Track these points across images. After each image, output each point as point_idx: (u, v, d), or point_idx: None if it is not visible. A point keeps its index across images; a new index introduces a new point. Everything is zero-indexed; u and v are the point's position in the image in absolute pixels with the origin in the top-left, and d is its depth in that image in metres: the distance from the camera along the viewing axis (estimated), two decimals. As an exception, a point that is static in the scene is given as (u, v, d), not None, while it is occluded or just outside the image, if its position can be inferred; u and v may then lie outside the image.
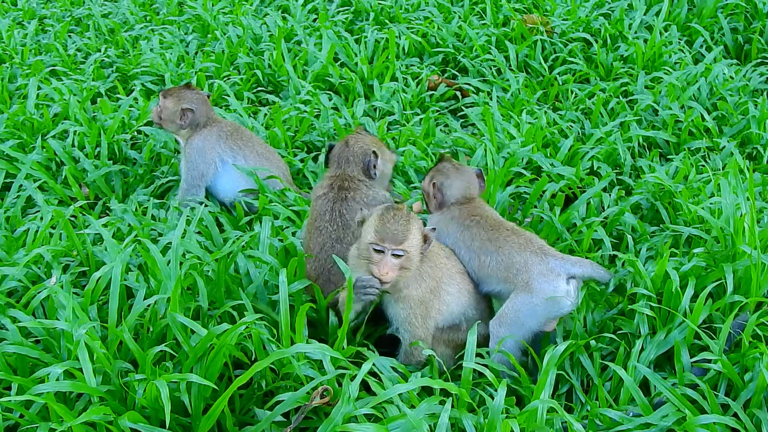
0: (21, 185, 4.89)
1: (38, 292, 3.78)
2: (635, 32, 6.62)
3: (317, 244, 3.85)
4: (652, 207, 4.55)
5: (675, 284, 3.50)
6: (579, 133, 5.43)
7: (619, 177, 4.94)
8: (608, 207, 4.49)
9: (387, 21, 7.11)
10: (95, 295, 3.73)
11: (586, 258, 3.80)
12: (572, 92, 5.93)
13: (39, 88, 5.96)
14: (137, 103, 5.81)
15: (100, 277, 3.70)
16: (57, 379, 3.08)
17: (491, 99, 5.80)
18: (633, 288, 3.67)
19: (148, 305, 3.56)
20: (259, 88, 6.22)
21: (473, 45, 6.47)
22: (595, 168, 4.97)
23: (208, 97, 5.00)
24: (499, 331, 3.50)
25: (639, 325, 3.52)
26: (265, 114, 5.74)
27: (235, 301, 3.65)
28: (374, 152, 4.04)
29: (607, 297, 3.82)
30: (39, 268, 4.07)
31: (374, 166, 4.02)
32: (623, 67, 6.18)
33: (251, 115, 5.75)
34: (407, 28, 6.91)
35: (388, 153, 4.23)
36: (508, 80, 6.09)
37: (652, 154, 5.12)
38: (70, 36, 7.19)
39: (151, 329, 3.58)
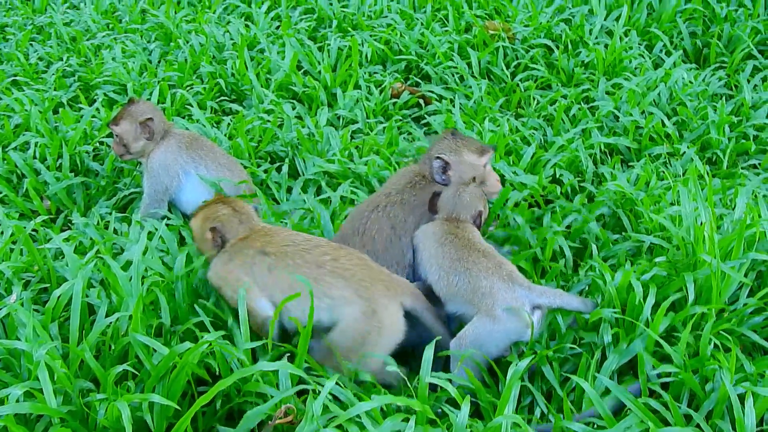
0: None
1: (-1, 312, 3.76)
2: (596, 38, 6.66)
3: None
4: (614, 215, 4.58)
5: (638, 295, 3.53)
6: (541, 141, 5.45)
7: (582, 184, 4.98)
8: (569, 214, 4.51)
9: (350, 28, 7.11)
10: (56, 312, 3.70)
11: (557, 288, 3.80)
12: (534, 99, 5.96)
13: (0, 98, 5.91)
14: (99, 113, 5.77)
15: (60, 295, 3.69)
16: (17, 401, 3.06)
17: (454, 106, 5.82)
18: (596, 297, 3.71)
19: (110, 323, 3.54)
20: (222, 98, 6.20)
21: (436, 52, 6.48)
22: (557, 176, 4.99)
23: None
24: (458, 353, 3.51)
25: (602, 334, 3.55)
26: (228, 124, 5.72)
27: (198, 317, 3.64)
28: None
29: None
30: (-1, 285, 4.06)
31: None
32: (584, 73, 6.22)
33: (214, 125, 5.73)
34: (370, 35, 6.91)
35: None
36: (470, 87, 6.11)
37: (613, 161, 5.16)
38: (31, 44, 7.13)
39: (112, 347, 3.56)
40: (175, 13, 7.46)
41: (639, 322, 3.48)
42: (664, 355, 3.44)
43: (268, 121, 5.66)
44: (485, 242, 3.83)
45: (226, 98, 6.21)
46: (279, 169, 5.21)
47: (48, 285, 4.06)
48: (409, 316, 3.57)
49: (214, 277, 3.73)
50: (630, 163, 5.24)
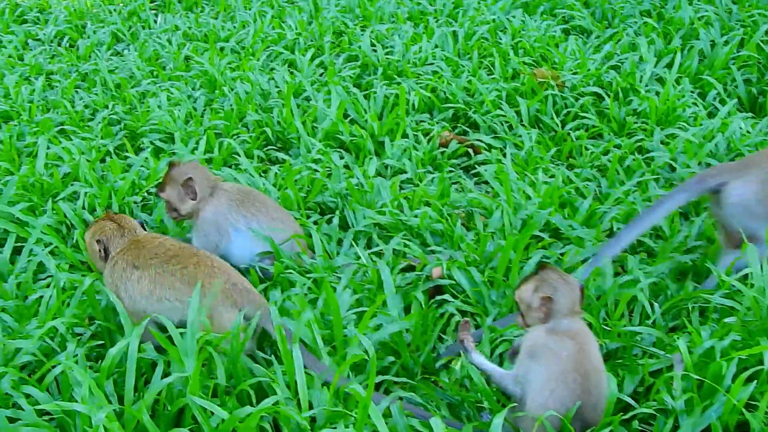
0: (32, 250, 4.80)
1: (53, 367, 3.70)
2: (646, 85, 6.57)
3: None
4: (673, 271, 4.48)
5: (722, 364, 3.41)
6: (596, 192, 5.35)
7: (640, 238, 4.86)
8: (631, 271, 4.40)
9: (395, 75, 7.06)
10: (110, 368, 3.65)
11: None
12: (586, 149, 5.86)
13: (48, 147, 5.90)
14: (147, 162, 5.73)
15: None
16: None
17: (504, 156, 5.75)
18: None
19: (166, 383, 3.48)
20: (269, 147, 6.16)
21: (484, 100, 6.42)
22: (614, 229, 4.89)
23: (198, 162, 4.94)
24: None
25: (672, 398, 3.43)
26: (276, 173, 5.66)
27: (254, 377, 3.57)
28: None
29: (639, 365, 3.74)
30: (53, 340, 3.99)
31: None
32: (636, 122, 6.13)
33: (262, 174, 5.68)
34: (416, 83, 6.86)
35: None
36: (520, 136, 6.03)
37: (672, 214, 5.04)
38: (77, 92, 7.13)
39: (168, 408, 3.50)
40: (219, 59, 7.44)
41: (721, 388, 3.35)
42: (740, 422, 3.32)
43: (316, 170, 5.61)
44: None
45: (272, 147, 6.16)
46: (329, 221, 5.13)
47: (102, 342, 4.00)
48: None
49: (106, 284, 4.15)
50: (690, 217, 5.11)
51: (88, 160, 5.67)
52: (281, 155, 5.99)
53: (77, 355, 3.81)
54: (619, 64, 7.00)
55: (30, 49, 8.34)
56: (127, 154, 6.03)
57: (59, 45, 8.50)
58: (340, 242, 4.99)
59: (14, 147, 6.02)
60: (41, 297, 4.35)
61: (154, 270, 4.01)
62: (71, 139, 6.14)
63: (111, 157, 5.91)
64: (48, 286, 4.49)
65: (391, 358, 3.97)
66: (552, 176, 5.45)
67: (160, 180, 4.88)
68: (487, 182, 5.63)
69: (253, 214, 4.70)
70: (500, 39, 7.63)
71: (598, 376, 3.34)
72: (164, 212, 4.87)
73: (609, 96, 6.43)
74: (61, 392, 3.67)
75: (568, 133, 6.11)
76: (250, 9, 9.04)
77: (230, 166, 5.79)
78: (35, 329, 4.01)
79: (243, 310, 3.88)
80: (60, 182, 5.46)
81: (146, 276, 4.01)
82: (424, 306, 4.24)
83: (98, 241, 4.22)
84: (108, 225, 4.27)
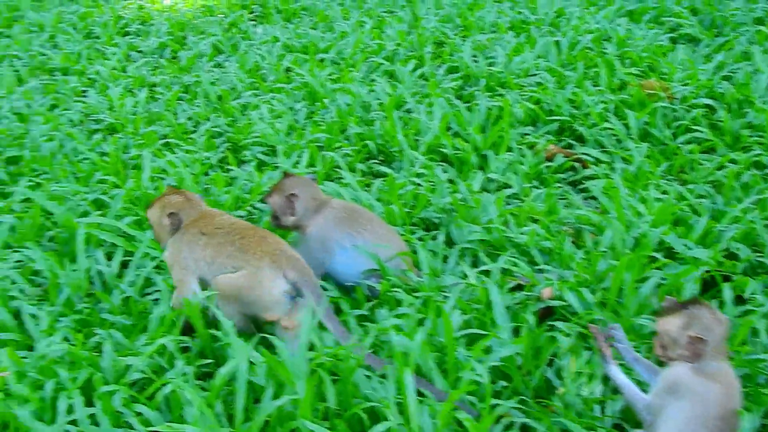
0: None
1: (163, 386, 3.69)
2: (761, 96, 6.34)
3: None
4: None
5: None
6: (711, 210, 5.16)
7: (759, 258, 4.66)
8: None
9: (498, 87, 6.95)
10: (220, 387, 3.62)
11: None
12: (699, 163, 5.67)
13: (153, 160, 5.94)
14: (251, 176, 5.72)
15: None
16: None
17: (613, 171, 5.59)
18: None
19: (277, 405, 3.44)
20: (372, 160, 6.10)
21: (590, 112, 6.27)
22: (732, 249, 4.70)
23: (314, 179, 4.90)
24: None
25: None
26: (379, 188, 5.59)
27: (367, 402, 3.50)
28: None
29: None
30: (161, 357, 3.98)
31: None
32: (752, 136, 5.91)
33: (365, 188, 5.62)
34: (519, 94, 6.74)
35: None
36: (629, 150, 5.87)
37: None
38: (179, 104, 7.18)
39: (278, 430, 3.46)
40: (320, 71, 7.42)
41: None
42: None
43: (420, 185, 5.53)
44: None
45: (375, 160, 6.10)
46: (434, 237, 5.04)
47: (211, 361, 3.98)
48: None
49: (168, 257, 4.33)
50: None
51: (192, 174, 5.70)
52: (384, 169, 5.92)
53: (187, 373, 3.79)
54: (732, 74, 6.77)
55: (133, 61, 8.44)
56: (229, 167, 6.03)
57: (161, 57, 8.59)
58: (445, 259, 4.90)
59: (120, 160, 6.08)
60: (147, 310, 4.40)
61: (217, 239, 4.19)
62: (175, 152, 6.17)
63: (214, 170, 5.92)
64: (155, 300, 4.51)
65: (503, 382, 3.87)
66: (664, 192, 5.28)
67: (271, 187, 4.91)
68: (595, 198, 5.48)
69: (359, 232, 4.64)
70: (605, 48, 7.48)
71: (736, 420, 3.20)
72: (269, 218, 4.85)
73: (722, 108, 6.21)
74: (171, 411, 3.66)
75: (679, 147, 5.91)
76: (348, 19, 9.04)
77: (333, 180, 5.74)
78: (144, 346, 4.02)
79: (288, 277, 4.06)
80: (165, 196, 5.47)
81: (211, 244, 4.20)
82: (534, 328, 4.12)
83: (171, 214, 4.36)
84: (176, 198, 4.45)
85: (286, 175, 4.83)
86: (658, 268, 4.51)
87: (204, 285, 4.22)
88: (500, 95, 6.74)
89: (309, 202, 4.70)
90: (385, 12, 9.30)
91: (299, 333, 3.89)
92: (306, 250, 4.62)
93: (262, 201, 4.96)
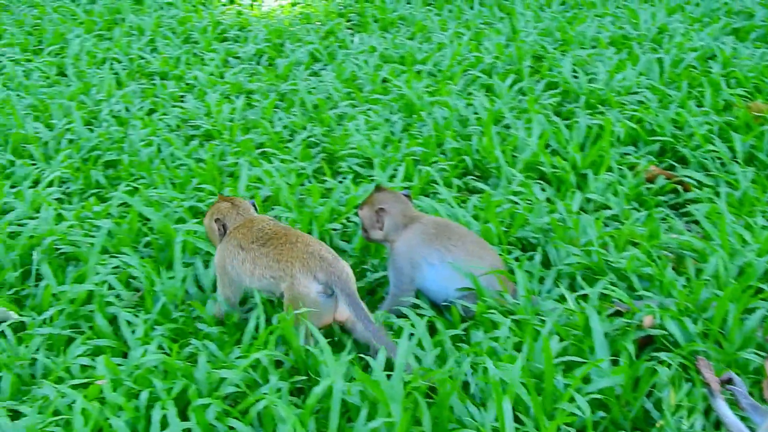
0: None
1: (257, 401, 3.67)
2: None
3: None
4: None
5: None
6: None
7: None
8: None
9: (598, 105, 6.82)
10: (313, 405, 3.59)
11: None
12: (809, 191, 5.49)
13: (249, 169, 5.96)
14: (348, 191, 5.69)
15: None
16: None
17: (718, 195, 5.43)
18: None
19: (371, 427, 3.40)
20: (468, 176, 6.03)
21: (693, 133, 6.10)
22: None
23: (408, 197, 4.86)
24: None
25: None
26: (475, 205, 5.52)
27: (463, 428, 3.44)
28: None
29: None
30: (255, 371, 3.96)
31: None
32: None
33: (461, 204, 5.55)
34: (620, 112, 6.60)
35: None
36: (734, 174, 5.69)
37: None
38: (276, 112, 7.20)
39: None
40: (417, 82, 7.37)
41: None
42: None
43: (517, 203, 5.45)
44: None
45: (471, 176, 6.03)
46: (531, 258, 4.95)
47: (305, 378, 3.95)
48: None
49: (216, 262, 4.56)
50: None
51: (288, 184, 5.69)
52: (480, 185, 5.85)
53: (281, 389, 3.77)
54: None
55: (230, 67, 8.50)
56: (324, 177, 6.02)
57: (258, 63, 8.64)
58: (541, 281, 4.80)
59: (216, 167, 6.11)
60: (241, 322, 4.43)
61: (253, 253, 4.34)
62: (271, 161, 6.18)
63: (310, 181, 5.92)
64: (248, 311, 4.51)
65: (601, 413, 3.76)
66: (772, 220, 5.12)
67: (363, 199, 4.93)
68: (697, 222, 5.33)
69: (448, 249, 4.57)
70: (710, 67, 7.29)
71: None
72: (360, 231, 4.89)
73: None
74: (263, 426, 3.64)
75: (787, 174, 5.73)
76: (446, 30, 8.98)
77: (428, 195, 5.69)
78: (238, 359, 4.01)
79: (318, 278, 4.15)
80: (261, 205, 5.48)
81: (249, 258, 4.34)
82: (634, 357, 4.01)
83: (216, 220, 4.57)
84: (223, 205, 4.64)
85: (378, 188, 4.82)
86: (764, 300, 4.36)
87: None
88: (600, 113, 6.62)
89: (398, 218, 4.67)
90: (483, 24, 9.22)
91: (358, 319, 4.10)
92: (393, 265, 4.60)
93: (356, 213, 4.96)
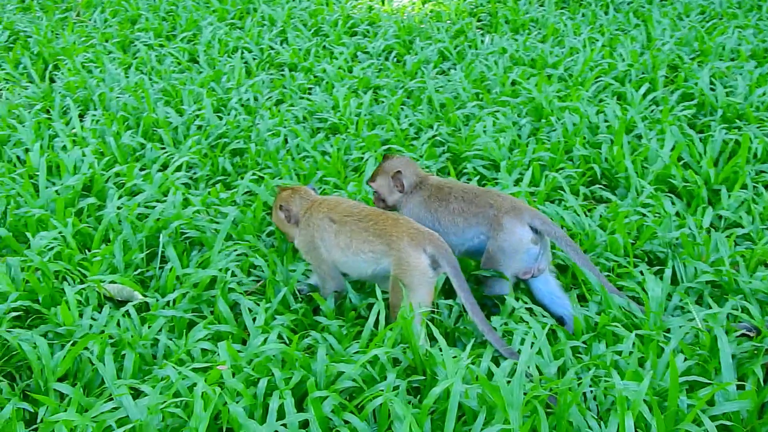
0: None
1: (374, 397, 3.66)
2: None
3: None
4: None
5: None
6: None
7: None
8: None
9: (735, 119, 6.60)
10: (430, 405, 3.56)
11: None
12: None
13: (374, 164, 5.95)
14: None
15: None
16: None
17: None
18: None
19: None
20: (596, 184, 5.90)
21: (836, 154, 5.86)
22: None
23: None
24: None
25: None
26: (601, 214, 5.40)
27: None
28: None
29: None
30: (372, 367, 3.95)
31: None
32: None
33: (587, 213, 5.44)
34: (758, 128, 6.38)
35: None
36: None
37: None
38: (402, 109, 7.19)
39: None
40: (548, 86, 7.26)
41: None
42: None
43: (645, 215, 5.31)
44: None
45: (599, 185, 5.90)
46: (657, 272, 4.80)
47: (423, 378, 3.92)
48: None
49: (300, 245, 4.63)
50: None
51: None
52: (608, 194, 5.72)
53: (398, 387, 3.75)
54: None
55: (359, 62, 8.52)
56: (449, 177, 5.97)
57: (387, 59, 8.64)
58: (669, 297, 4.66)
59: (341, 161, 6.13)
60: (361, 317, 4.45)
61: (349, 227, 4.39)
62: (396, 158, 6.17)
63: (434, 180, 5.88)
64: (370, 305, 4.51)
65: (725, 438, 3.64)
66: None
67: (373, 172, 5.03)
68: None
69: (437, 210, 4.72)
70: None
71: None
72: (374, 201, 5.01)
73: None
74: (379, 423, 3.62)
75: None
76: (579, 35, 8.83)
77: (553, 202, 5.60)
78: (357, 354, 4.01)
79: (427, 251, 4.21)
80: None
81: (343, 231, 4.40)
82: (762, 383, 3.85)
83: (281, 207, 4.69)
84: (284, 194, 4.74)
85: (385, 158, 5.00)
86: None
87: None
88: (737, 128, 6.41)
89: (411, 179, 4.85)
90: (618, 30, 9.04)
91: (460, 291, 4.16)
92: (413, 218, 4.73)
93: (367, 184, 5.07)
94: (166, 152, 6.39)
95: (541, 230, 4.50)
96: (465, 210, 4.64)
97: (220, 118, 6.99)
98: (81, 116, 7.17)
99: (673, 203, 5.54)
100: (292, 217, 4.66)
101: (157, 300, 4.57)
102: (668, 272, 4.67)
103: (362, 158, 6.16)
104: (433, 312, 4.25)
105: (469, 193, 4.69)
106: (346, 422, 3.61)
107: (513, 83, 7.62)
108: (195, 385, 3.66)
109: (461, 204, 4.66)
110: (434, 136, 6.64)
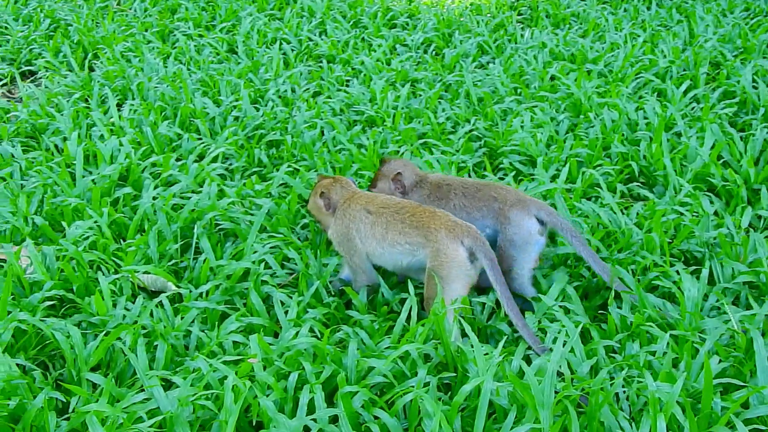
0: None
1: (404, 393, 3.64)
2: None
3: None
4: None
5: None
6: None
7: None
8: None
9: (778, 118, 6.51)
10: (460, 402, 3.54)
11: None
12: None
13: (410, 158, 5.94)
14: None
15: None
16: None
17: None
18: None
19: (518, 432, 3.32)
20: (633, 182, 5.84)
21: None
22: None
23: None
24: None
25: None
26: (638, 212, 5.35)
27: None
28: None
29: None
30: (404, 362, 3.93)
31: None
32: None
33: (624, 210, 5.39)
34: (799, 127, 6.29)
35: None
36: None
37: None
38: (440, 103, 7.15)
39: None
40: (587, 82, 7.19)
41: None
42: None
43: (683, 214, 5.25)
44: None
45: (636, 183, 5.84)
46: (693, 272, 4.75)
47: (454, 375, 3.90)
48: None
49: (333, 235, 4.62)
50: None
51: (448, 176, 5.65)
52: (645, 192, 5.66)
53: (429, 383, 3.74)
54: None
55: (397, 54, 8.50)
56: (485, 172, 5.94)
57: (425, 52, 8.61)
58: (705, 297, 4.60)
59: (377, 154, 6.12)
60: (393, 311, 4.43)
61: (386, 218, 4.40)
62: (432, 152, 6.15)
63: (470, 175, 5.85)
64: (402, 300, 4.50)
65: (757, 441, 3.58)
66: None
67: (373, 177, 5.05)
68: None
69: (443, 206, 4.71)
70: None
71: None
72: None
73: None
74: (409, 419, 3.61)
75: None
76: (621, 30, 8.75)
77: (590, 199, 5.55)
78: (387, 349, 4.00)
79: (465, 244, 4.21)
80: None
81: (380, 222, 4.41)
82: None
83: (321, 194, 4.69)
84: (325, 181, 4.76)
85: (382, 161, 5.02)
86: None
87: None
88: (782, 129, 6.33)
89: (411, 179, 4.87)
90: (660, 26, 8.95)
91: (497, 284, 4.17)
92: None
93: (368, 190, 5.01)
94: (202, 143, 6.41)
95: (547, 222, 4.50)
96: (467, 205, 4.65)
97: (257, 110, 7.00)
98: (119, 106, 7.21)
99: (711, 202, 5.47)
100: (330, 205, 4.68)
101: (191, 291, 4.58)
102: (705, 272, 4.60)
103: (398, 152, 6.14)
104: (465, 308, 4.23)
105: (470, 188, 4.71)
106: (376, 418, 3.60)
107: (552, 78, 7.57)
108: (226, 377, 3.66)
109: (462, 200, 4.67)
110: (471, 130, 6.60)
